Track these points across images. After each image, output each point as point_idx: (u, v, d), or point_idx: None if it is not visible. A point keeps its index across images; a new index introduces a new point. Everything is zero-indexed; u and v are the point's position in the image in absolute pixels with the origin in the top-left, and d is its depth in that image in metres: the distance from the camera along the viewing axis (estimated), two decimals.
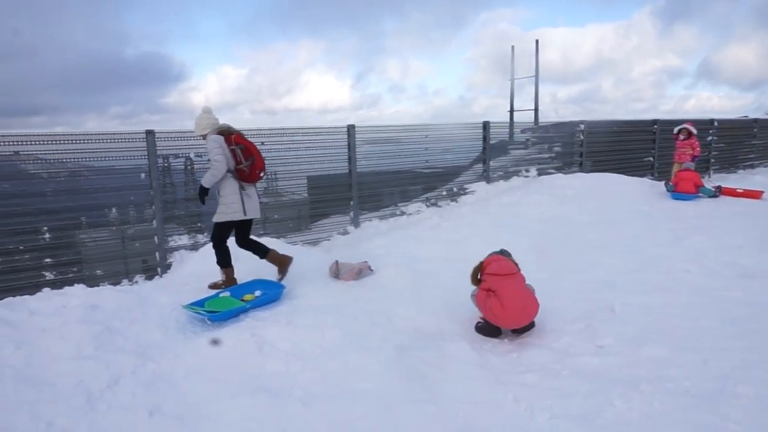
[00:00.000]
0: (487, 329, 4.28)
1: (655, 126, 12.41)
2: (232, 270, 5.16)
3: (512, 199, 8.74)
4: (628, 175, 10.61)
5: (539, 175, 10.40)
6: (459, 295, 4.92)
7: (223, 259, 5.12)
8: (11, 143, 5.40)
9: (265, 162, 5.16)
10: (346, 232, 7.88)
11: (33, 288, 5.12)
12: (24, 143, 5.46)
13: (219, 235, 5.05)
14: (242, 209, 4.94)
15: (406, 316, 4.56)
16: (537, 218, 7.96)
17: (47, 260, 5.70)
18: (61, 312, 4.40)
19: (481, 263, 4.50)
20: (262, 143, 6.75)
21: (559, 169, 10.93)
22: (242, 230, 5.16)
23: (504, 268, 4.30)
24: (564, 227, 7.60)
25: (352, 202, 8.03)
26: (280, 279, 5.19)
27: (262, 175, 5.11)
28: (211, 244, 5.15)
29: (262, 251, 5.20)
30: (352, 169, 7.92)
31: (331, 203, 8.22)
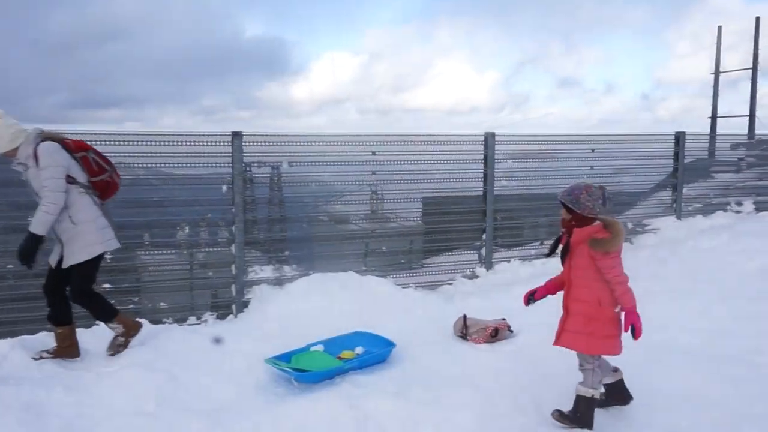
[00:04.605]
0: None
1: None
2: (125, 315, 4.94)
3: (715, 243, 8.20)
4: None
5: (758, 210, 9.75)
6: (633, 370, 4.61)
7: (108, 308, 4.85)
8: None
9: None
10: (474, 276, 7.82)
11: (85, 319, 5.52)
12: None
13: (89, 279, 4.73)
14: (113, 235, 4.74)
15: (561, 400, 4.35)
16: (755, 273, 7.36)
17: (105, 286, 6.19)
18: (124, 352, 4.75)
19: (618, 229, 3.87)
20: (373, 153, 6.90)
21: None
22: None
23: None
24: None
25: (484, 235, 7.95)
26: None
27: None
28: (86, 298, 4.75)
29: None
30: (487, 190, 7.87)
31: (453, 234, 8.19)
